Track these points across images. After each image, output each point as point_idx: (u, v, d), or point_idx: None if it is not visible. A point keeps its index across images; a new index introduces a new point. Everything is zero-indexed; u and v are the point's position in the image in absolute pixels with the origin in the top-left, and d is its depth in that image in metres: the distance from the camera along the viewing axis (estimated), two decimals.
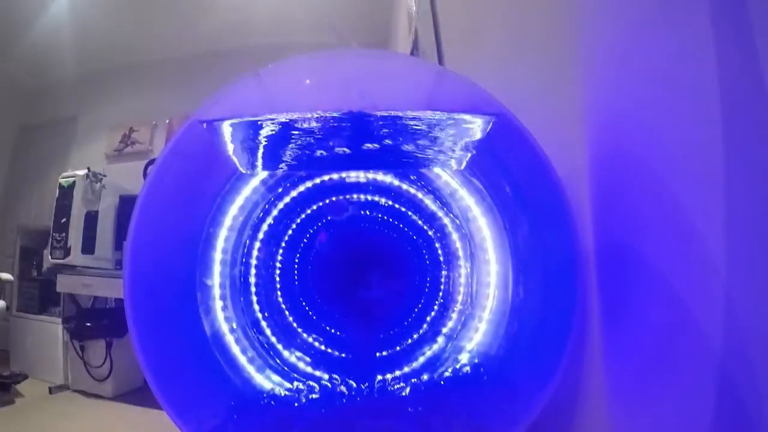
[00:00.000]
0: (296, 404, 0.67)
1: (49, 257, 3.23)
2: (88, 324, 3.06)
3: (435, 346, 0.92)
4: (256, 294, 0.93)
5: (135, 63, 4.27)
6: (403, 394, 0.69)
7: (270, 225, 0.92)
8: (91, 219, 3.19)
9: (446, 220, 0.93)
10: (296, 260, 1.04)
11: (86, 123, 4.47)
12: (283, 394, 0.74)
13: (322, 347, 1.00)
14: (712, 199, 0.41)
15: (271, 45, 3.72)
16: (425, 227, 1.00)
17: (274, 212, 0.92)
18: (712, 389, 0.41)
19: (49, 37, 3.86)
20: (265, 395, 0.73)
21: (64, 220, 3.12)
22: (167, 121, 3.88)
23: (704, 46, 0.41)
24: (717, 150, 0.40)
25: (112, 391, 3.05)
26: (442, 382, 0.73)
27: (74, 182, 3.17)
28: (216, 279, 0.79)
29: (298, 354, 0.92)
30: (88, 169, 3.27)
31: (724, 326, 0.40)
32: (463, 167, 0.71)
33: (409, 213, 1.00)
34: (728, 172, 0.39)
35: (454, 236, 0.93)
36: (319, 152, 0.66)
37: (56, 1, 3.56)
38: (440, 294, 1.01)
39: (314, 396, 0.71)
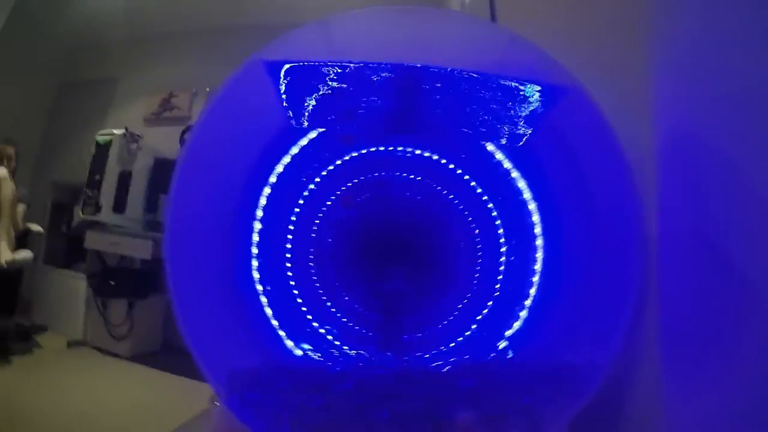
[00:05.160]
0: (329, 370, 0.66)
1: (80, 212, 3.27)
2: (112, 282, 3.09)
3: (467, 333, 0.90)
4: (291, 261, 0.91)
5: (181, 30, 4.29)
6: (444, 370, 0.67)
7: (311, 190, 0.90)
8: (124, 178, 3.22)
9: (491, 205, 0.90)
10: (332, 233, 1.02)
11: (126, 85, 4.52)
12: (316, 358, 0.72)
13: (350, 324, 0.98)
14: None
15: None
16: (466, 212, 0.97)
17: (317, 179, 0.90)
18: None
19: None
20: (298, 359, 0.71)
21: (97, 177, 3.16)
22: (207, 90, 3.89)
23: None
24: None
25: (129, 351, 3.09)
26: (487, 363, 0.71)
27: (111, 140, 3.20)
28: (255, 237, 0.78)
29: (327, 327, 0.90)
30: (126, 128, 3.31)
31: None
32: (521, 144, 0.68)
33: (451, 196, 0.97)
34: None
35: (498, 222, 0.90)
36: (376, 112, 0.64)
37: None
38: (474, 282, 0.98)
39: (349, 363, 0.70)
